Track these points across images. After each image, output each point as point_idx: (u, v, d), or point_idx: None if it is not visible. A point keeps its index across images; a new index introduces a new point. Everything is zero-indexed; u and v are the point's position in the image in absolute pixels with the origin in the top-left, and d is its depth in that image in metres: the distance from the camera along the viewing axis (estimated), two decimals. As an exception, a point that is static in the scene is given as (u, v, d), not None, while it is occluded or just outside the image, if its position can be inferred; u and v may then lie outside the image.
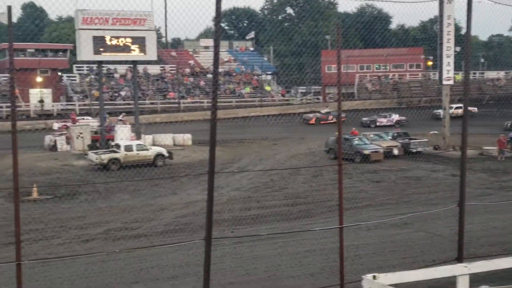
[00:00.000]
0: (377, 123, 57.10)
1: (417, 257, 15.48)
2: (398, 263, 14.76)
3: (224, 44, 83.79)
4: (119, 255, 16.09)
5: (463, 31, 39.55)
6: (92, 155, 35.35)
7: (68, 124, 46.71)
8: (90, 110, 59.26)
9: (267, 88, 77.78)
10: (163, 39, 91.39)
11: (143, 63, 63.06)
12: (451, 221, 15.41)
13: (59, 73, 68.20)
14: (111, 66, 69.08)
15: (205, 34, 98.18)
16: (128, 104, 62.01)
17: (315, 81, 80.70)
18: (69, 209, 24.17)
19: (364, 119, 57.85)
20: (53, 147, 41.96)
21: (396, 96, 76.33)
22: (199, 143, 43.68)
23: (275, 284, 13.89)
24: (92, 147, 40.09)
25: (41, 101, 62.81)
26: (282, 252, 16.42)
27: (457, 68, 45.50)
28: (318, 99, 78.00)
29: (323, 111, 61.61)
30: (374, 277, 8.11)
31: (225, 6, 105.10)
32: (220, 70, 70.96)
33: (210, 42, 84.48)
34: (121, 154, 34.82)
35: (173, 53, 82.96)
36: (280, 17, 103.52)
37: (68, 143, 42.13)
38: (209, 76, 75.42)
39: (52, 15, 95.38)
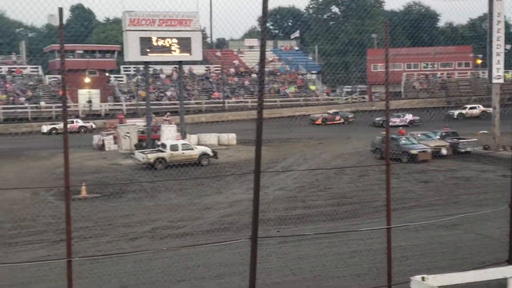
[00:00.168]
0: (391, 123, 56.24)
1: (466, 258, 15.13)
2: (447, 264, 14.44)
3: (269, 44, 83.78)
4: (165, 253, 16.24)
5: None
6: (138, 155, 35.86)
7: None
8: (137, 110, 60.21)
9: (312, 87, 77.43)
10: (208, 39, 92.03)
11: (188, 63, 63.62)
12: (501, 222, 15.01)
13: (107, 74, 69.44)
14: (157, 67, 69.97)
15: (249, 34, 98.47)
16: (174, 104, 62.74)
17: (361, 80, 79.92)
18: (117, 208, 24.54)
19: (377, 119, 57.25)
20: (101, 147, 42.76)
21: (444, 95, 74.90)
22: (243, 143, 43.82)
23: (320, 284, 13.78)
24: (138, 146, 40.68)
25: (90, 101, 64.11)
26: (328, 253, 16.28)
27: (507, 66, 44.41)
28: (363, 98, 77.22)
29: (331, 111, 61.21)
30: (423, 278, 7.96)
31: (270, 5, 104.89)
32: (265, 69, 71.02)
33: (254, 42, 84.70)
34: (167, 153, 35.19)
35: (218, 53, 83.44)
36: (325, 16, 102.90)
37: (115, 142, 42.88)
38: (254, 76, 75.63)
39: (100, 16, 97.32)
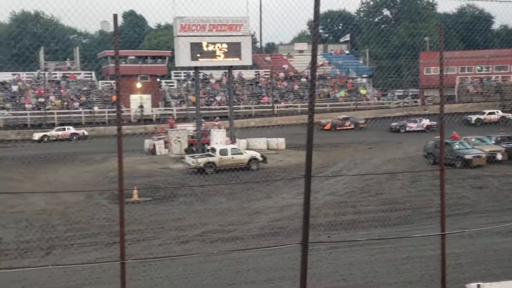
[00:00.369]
0: (407, 128, 55.62)
1: (523, 267, 14.65)
2: (502, 272, 14.01)
3: (319, 48, 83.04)
4: (216, 257, 16.32)
5: None
6: (189, 159, 36.22)
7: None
8: (187, 115, 60.88)
9: (363, 91, 76.65)
10: (258, 44, 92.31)
11: (238, 68, 63.95)
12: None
13: (158, 79, 70.49)
14: (207, 72, 70.59)
15: (299, 38, 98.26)
16: (223, 108, 63.17)
17: (413, 83, 78.61)
18: (168, 211, 24.83)
19: (393, 124, 56.55)
20: (152, 151, 43.39)
21: (499, 99, 72.90)
22: (293, 147, 43.72)
23: (372, 291, 13.58)
24: (188, 151, 41.09)
25: (141, 106, 65.19)
26: (379, 259, 16.03)
27: None
28: (416, 102, 75.93)
29: (341, 117, 60.23)
30: (478, 286, 7.75)
31: (321, 9, 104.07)
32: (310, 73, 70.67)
33: (304, 46, 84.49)
34: (216, 158, 35.43)
35: (268, 58, 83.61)
36: (376, 19, 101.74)
37: (166, 147, 43.45)
38: (303, 80, 75.42)
39: (152, 23, 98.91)
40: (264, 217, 23.11)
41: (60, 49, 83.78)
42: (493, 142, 37.83)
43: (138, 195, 27.33)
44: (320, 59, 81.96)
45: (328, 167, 35.64)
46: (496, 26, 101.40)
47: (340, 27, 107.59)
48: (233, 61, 42.69)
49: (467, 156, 34.13)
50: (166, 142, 43.75)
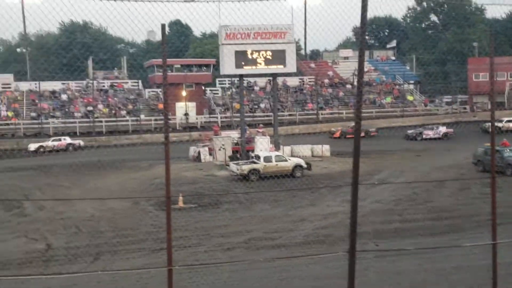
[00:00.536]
0: (424, 136, 54.26)
1: None
2: (556, 284, 13.52)
3: (365, 54, 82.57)
4: (260, 264, 16.26)
5: None
6: (233, 166, 36.33)
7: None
8: (231, 122, 61.19)
9: (410, 97, 75.57)
10: (302, 51, 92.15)
11: (282, 75, 63.97)
12: None
13: (203, 87, 71.13)
14: (251, 79, 70.82)
15: (344, 45, 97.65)
16: (267, 116, 63.23)
17: (462, 90, 77.07)
18: (213, 218, 24.91)
19: (410, 131, 55.56)
20: (197, 158, 43.73)
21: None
22: (337, 154, 43.37)
23: (420, 301, 13.29)
24: (233, 158, 41.22)
25: (186, 114, 65.89)
26: (428, 268, 15.68)
27: None
28: (464, 108, 74.42)
29: (351, 125, 59.00)
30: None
31: (367, 15, 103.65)
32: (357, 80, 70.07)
33: (349, 52, 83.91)
34: (260, 165, 35.42)
35: (312, 65, 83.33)
36: (423, 25, 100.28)
37: (210, 154, 43.72)
38: (348, 86, 74.86)
39: (197, 31, 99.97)
40: (308, 225, 22.95)
41: (108, 59, 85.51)
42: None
43: (183, 202, 27.54)
44: (366, 66, 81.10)
45: (374, 175, 35.18)
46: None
47: (386, 33, 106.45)
48: (277, 68, 42.71)
49: (518, 164, 33.18)
50: (210, 149, 44.02)
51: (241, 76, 44.51)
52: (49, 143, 53.38)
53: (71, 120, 62.68)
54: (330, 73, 79.92)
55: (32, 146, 52.80)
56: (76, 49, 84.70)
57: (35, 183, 35.03)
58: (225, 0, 14.82)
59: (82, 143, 54.89)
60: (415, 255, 16.91)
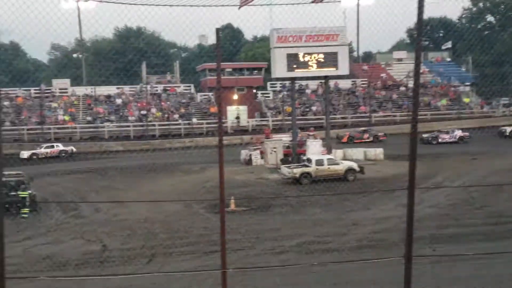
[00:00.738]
0: (439, 140, 52.36)
1: None
2: None
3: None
4: (312, 268, 16.11)
5: None
6: (284, 169, 36.24)
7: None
8: (283, 125, 61.09)
9: (466, 99, 73.80)
10: (355, 53, 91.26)
11: (334, 78, 63.48)
12: None
13: (254, 90, 71.32)
14: (303, 82, 70.57)
15: (397, 46, 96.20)
16: (319, 119, 62.84)
17: (521, 92, 74.74)
18: (264, 221, 24.90)
19: (425, 135, 53.83)
20: (248, 161, 43.83)
21: None
22: (391, 158, 42.68)
23: (478, 309, 12.89)
24: (284, 161, 41.12)
25: (237, 117, 66.19)
26: (486, 275, 15.23)
27: None
28: (522, 110, 72.13)
29: (359, 129, 57.39)
30: None
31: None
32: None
33: (403, 54, 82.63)
34: (312, 168, 35.20)
35: (365, 67, 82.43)
36: (479, 26, 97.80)
37: (262, 157, 43.75)
38: (402, 89, 73.69)
39: (248, 35, 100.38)
40: (361, 229, 22.65)
41: (161, 64, 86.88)
42: None
43: (235, 205, 27.64)
44: (421, 67, 79.76)
45: (429, 178, 34.41)
46: None
47: (441, 34, 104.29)
48: (329, 71, 42.34)
49: None
50: (262, 153, 44.06)
51: (292, 79, 44.37)
52: (42, 150, 51.93)
53: (125, 123, 63.89)
54: (383, 75, 78.89)
55: (25, 154, 51.22)
56: (131, 54, 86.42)
57: (91, 185, 35.84)
58: (277, 4, 14.79)
59: (74, 149, 53.63)
60: (472, 260, 16.48)
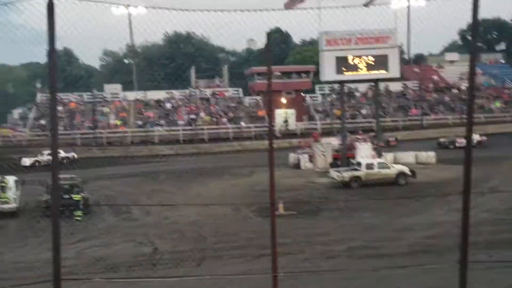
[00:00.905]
0: (457, 144, 50.19)
1: None
2: None
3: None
4: (364, 273, 15.90)
5: None
6: (333, 173, 35.95)
7: None
8: (332, 129, 60.65)
9: (520, 102, 71.77)
10: (406, 55, 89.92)
11: (385, 80, 62.69)
12: None
13: (302, 94, 71.09)
14: (352, 85, 69.90)
15: (449, 48, 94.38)
16: (369, 122, 62.13)
17: None
18: (313, 225, 24.75)
19: (442, 140, 52.75)
20: (297, 165, 43.66)
21: None
22: (444, 162, 41.81)
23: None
24: (333, 165, 40.80)
25: (286, 121, 66.08)
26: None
27: None
28: None
29: (370, 134, 55.53)
30: None
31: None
32: (468, 85, 67.33)
33: (455, 56, 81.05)
34: (362, 172, 34.80)
35: (416, 69, 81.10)
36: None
37: (311, 161, 43.52)
38: (454, 91, 72.20)
39: (296, 38, 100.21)
40: (413, 234, 22.25)
41: (209, 68, 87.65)
42: None
43: (284, 209, 27.53)
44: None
45: (483, 183, 33.51)
46: None
47: (494, 36, 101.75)
48: (379, 73, 41.81)
49: None
50: (310, 156, 43.83)
51: (342, 82, 44.02)
52: (44, 157, 48.83)
53: (175, 128, 64.65)
54: (435, 77, 77.46)
55: (28, 161, 50.05)
56: (180, 59, 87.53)
57: (142, 189, 36.39)
58: (325, 7, 14.70)
59: (75, 156, 51.96)
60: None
